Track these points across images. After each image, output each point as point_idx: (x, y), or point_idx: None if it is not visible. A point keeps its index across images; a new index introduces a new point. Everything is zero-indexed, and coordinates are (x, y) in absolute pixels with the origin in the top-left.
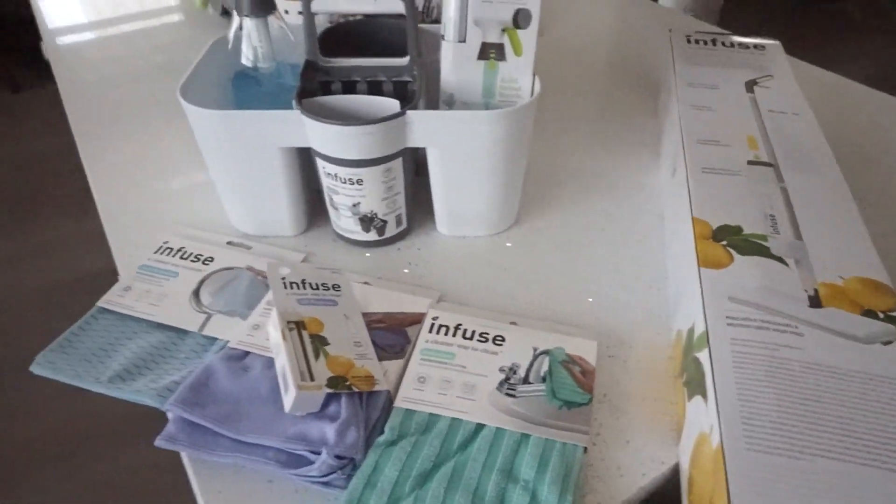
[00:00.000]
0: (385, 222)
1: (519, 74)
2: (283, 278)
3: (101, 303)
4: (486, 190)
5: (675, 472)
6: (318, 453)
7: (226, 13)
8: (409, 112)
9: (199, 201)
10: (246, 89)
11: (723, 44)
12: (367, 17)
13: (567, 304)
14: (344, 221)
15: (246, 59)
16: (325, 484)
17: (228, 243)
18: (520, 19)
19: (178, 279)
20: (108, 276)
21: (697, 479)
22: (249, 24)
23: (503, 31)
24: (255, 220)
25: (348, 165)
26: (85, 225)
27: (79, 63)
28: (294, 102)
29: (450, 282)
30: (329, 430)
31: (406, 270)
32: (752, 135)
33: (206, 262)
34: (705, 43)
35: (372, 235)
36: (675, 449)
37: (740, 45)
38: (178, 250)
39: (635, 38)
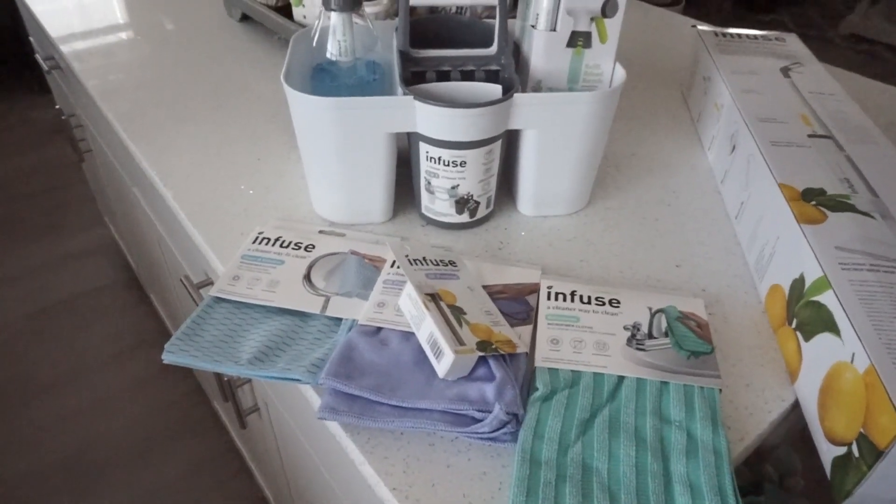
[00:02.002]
0: (478, 204)
1: (602, 60)
2: (407, 255)
3: (214, 292)
4: (574, 169)
5: (795, 406)
6: (483, 412)
7: (244, 18)
8: (516, 95)
9: (277, 195)
10: (325, 83)
11: (747, 37)
12: (435, 14)
13: (658, 272)
14: (439, 204)
15: (330, 53)
16: (492, 440)
17: (321, 232)
18: (608, 9)
19: (286, 266)
20: (100, 294)
21: (833, 404)
22: (336, 18)
23: (591, 19)
24: (347, 208)
25: (454, 148)
26: (64, 245)
27: (98, 68)
28: (401, 88)
29: (545, 257)
30: (488, 390)
31: (500, 249)
32: (804, 113)
33: (308, 249)
34: (732, 37)
35: (464, 217)
36: (791, 387)
37: (763, 37)
38: (276, 240)
39: (648, 39)
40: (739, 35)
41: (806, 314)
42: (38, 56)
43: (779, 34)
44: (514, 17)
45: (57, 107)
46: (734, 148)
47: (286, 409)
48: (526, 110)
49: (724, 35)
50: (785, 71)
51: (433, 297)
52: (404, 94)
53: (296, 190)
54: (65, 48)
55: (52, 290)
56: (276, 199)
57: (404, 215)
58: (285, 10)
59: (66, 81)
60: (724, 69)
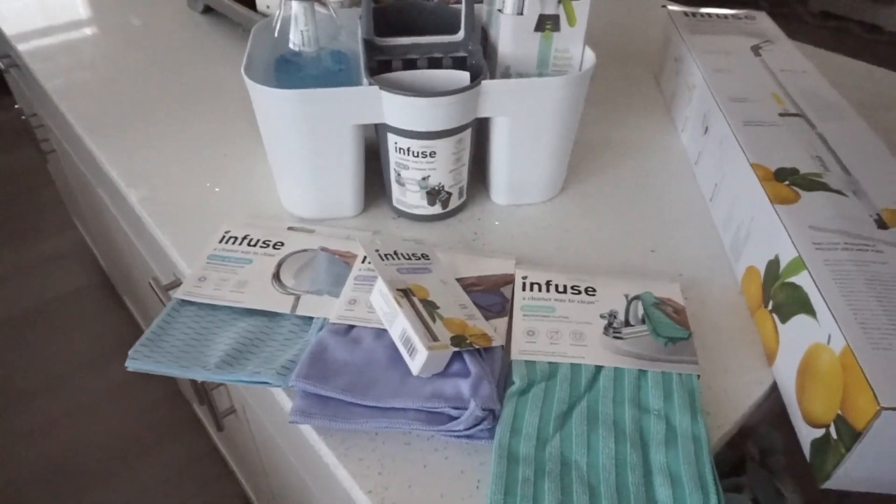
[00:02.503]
0: (450, 195)
1: (571, 44)
2: (377, 250)
3: (179, 294)
4: (547, 156)
5: (774, 388)
6: (459, 409)
7: (207, 10)
8: (484, 82)
9: (243, 192)
10: (289, 74)
11: (717, 16)
12: (401, 0)
13: (634, 257)
14: (409, 197)
15: (293, 43)
16: (469, 437)
17: (290, 228)
18: None
19: (254, 265)
20: (73, 298)
21: (810, 386)
22: (297, 7)
23: (559, 2)
24: (316, 203)
25: (423, 138)
26: (35, 250)
27: (57, 67)
28: (366, 78)
29: (519, 247)
30: (463, 386)
31: (474, 240)
32: (775, 91)
33: (277, 247)
34: (702, 16)
35: (437, 209)
36: (769, 370)
37: (733, 16)
38: (244, 238)
39: (618, 20)
40: (710, 14)
41: (782, 296)
42: None
43: (749, 12)
44: (482, 1)
45: (17, 106)
46: (707, 129)
47: (262, 411)
48: (494, 97)
49: (695, 15)
50: (755, 49)
51: (405, 293)
52: (369, 84)
53: (264, 186)
54: (21, 46)
55: (25, 297)
56: (244, 197)
57: (376, 208)
58: (248, 0)
59: (24, 80)
60: (695, 49)
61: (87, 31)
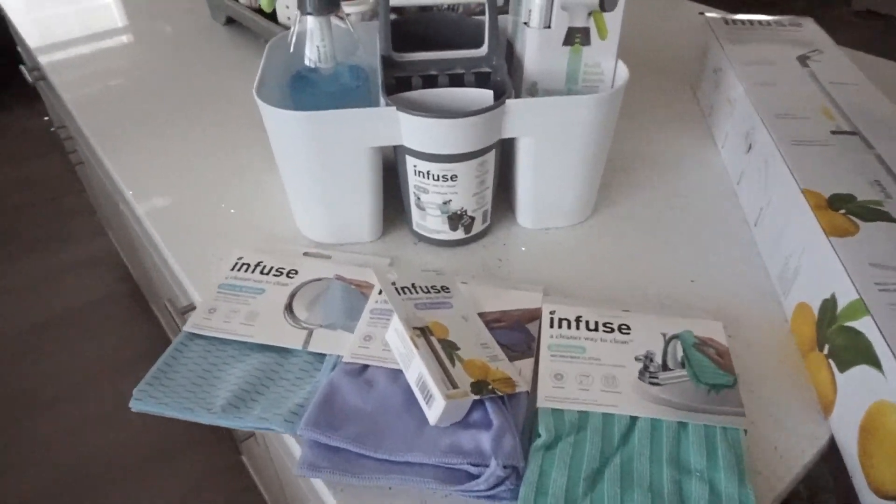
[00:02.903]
0: (473, 219)
1: (602, 58)
2: (394, 283)
3: (188, 328)
4: (576, 178)
5: (830, 445)
6: (479, 466)
7: (230, 21)
8: (508, 101)
9: (259, 213)
10: (305, 92)
11: (759, 23)
12: (423, 12)
13: (672, 289)
14: (430, 221)
15: (308, 59)
16: (490, 497)
17: (305, 254)
18: (606, 2)
19: (266, 295)
20: (102, 305)
21: (876, 450)
22: (313, 22)
23: (589, 14)
24: (333, 228)
25: (443, 161)
26: (65, 256)
27: (76, 78)
28: (383, 98)
29: (548, 275)
30: (484, 440)
31: (499, 267)
32: (826, 106)
33: (291, 276)
34: (742, 23)
35: (459, 234)
36: (826, 423)
37: (776, 23)
38: (257, 265)
39: (652, 27)
40: (751, 22)
41: (840, 341)
42: (22, 67)
43: (794, 19)
44: (507, 11)
45: (46, 118)
46: (750, 147)
47: (279, 443)
48: (520, 117)
49: (735, 22)
50: (802, 60)
51: (423, 332)
52: (386, 104)
53: (279, 207)
54: (43, 59)
55: (54, 303)
56: (259, 218)
57: (395, 232)
58: (271, 13)
59: (51, 92)
60: (736, 60)
61: (108, 42)
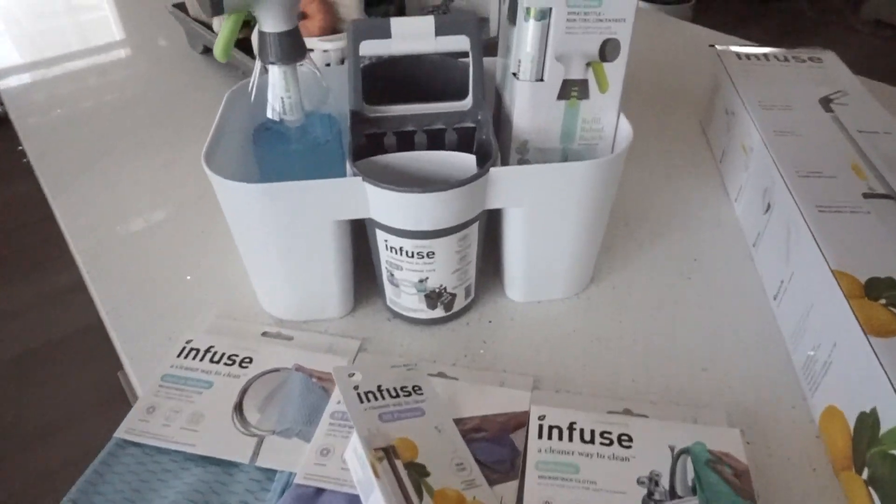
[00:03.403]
0: (454, 296)
1: (602, 113)
2: (356, 387)
3: (120, 433)
4: (572, 250)
5: None
6: None
7: (207, 50)
8: (493, 170)
9: (219, 278)
10: (271, 146)
11: (776, 58)
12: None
13: (680, 378)
14: (405, 299)
15: (272, 111)
16: None
17: (264, 334)
18: (608, 51)
19: (214, 391)
20: (80, 337)
21: None
22: (276, 72)
23: (588, 65)
24: (297, 304)
25: (418, 237)
26: (46, 285)
27: (30, 106)
28: (349, 166)
29: (538, 361)
30: None
31: (482, 351)
32: (855, 161)
33: (245, 365)
34: (757, 58)
35: (438, 312)
36: None
37: (795, 58)
38: (207, 350)
39: (662, 55)
40: (766, 56)
41: (884, 471)
42: None
43: (814, 52)
44: (495, 53)
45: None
46: (769, 207)
47: None
48: (507, 187)
49: (749, 57)
50: (825, 103)
51: (387, 453)
52: (353, 173)
53: (241, 274)
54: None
55: (39, 332)
56: (217, 287)
57: (367, 305)
58: (246, 43)
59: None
60: (752, 102)
61: (72, 66)
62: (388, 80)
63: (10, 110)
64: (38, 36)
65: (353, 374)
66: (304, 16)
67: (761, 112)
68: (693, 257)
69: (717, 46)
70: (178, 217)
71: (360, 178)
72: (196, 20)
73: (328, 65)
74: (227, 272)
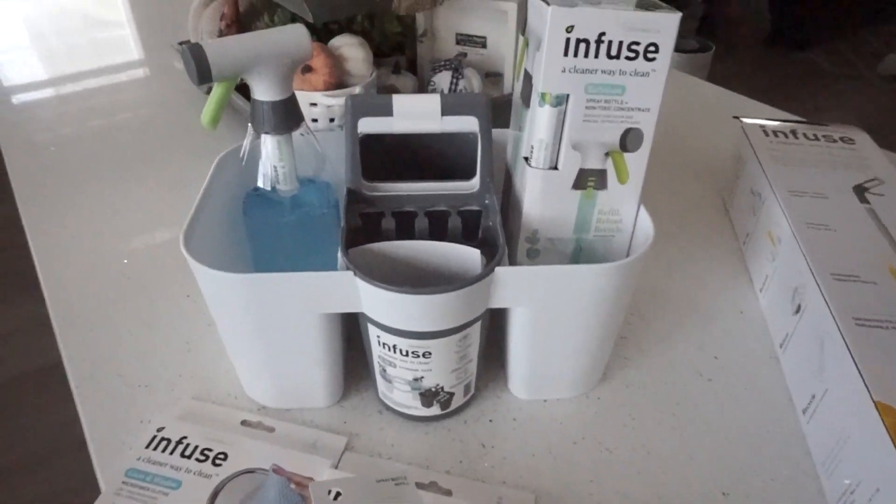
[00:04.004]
0: (452, 395)
1: (621, 204)
2: None
3: None
4: (581, 350)
5: None
6: None
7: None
8: (499, 270)
9: (200, 353)
10: (262, 217)
11: (805, 136)
12: None
13: (695, 501)
14: (398, 395)
15: (264, 179)
16: None
17: (243, 423)
18: (629, 141)
19: (181, 492)
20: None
21: None
22: (270, 141)
23: (607, 154)
24: (280, 392)
25: (414, 337)
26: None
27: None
28: (341, 257)
29: (540, 472)
30: None
31: (480, 457)
32: (893, 265)
33: (218, 462)
34: (785, 136)
35: (434, 410)
36: None
37: (825, 137)
38: (179, 442)
39: (680, 118)
40: (795, 133)
41: None
42: None
43: (845, 132)
44: (507, 124)
45: None
46: (799, 308)
47: None
48: (513, 287)
49: (777, 134)
50: (860, 192)
51: None
52: (345, 266)
53: (224, 351)
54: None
55: (22, 359)
56: (197, 363)
57: (358, 393)
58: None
59: None
60: (780, 187)
61: (68, 88)
62: (389, 150)
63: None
64: (61, 52)
65: (334, 494)
66: (308, 69)
67: (791, 199)
68: (713, 354)
69: (742, 120)
70: (163, 277)
71: (351, 273)
72: None
73: (332, 120)
74: (209, 346)
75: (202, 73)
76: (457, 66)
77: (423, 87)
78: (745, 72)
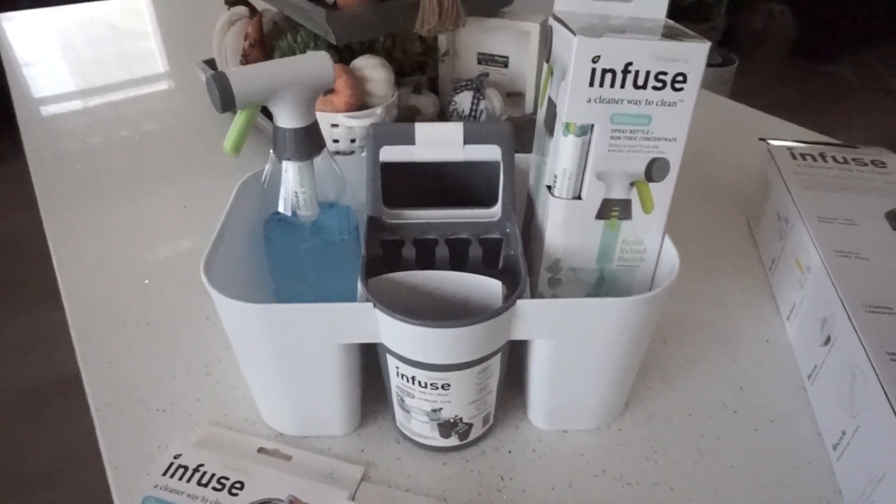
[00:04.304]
0: (470, 426)
1: (645, 234)
2: None
3: None
4: (603, 382)
5: None
6: None
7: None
8: (521, 303)
9: (219, 376)
10: (282, 242)
11: (834, 159)
12: None
13: None
14: (416, 425)
15: (284, 204)
16: None
17: (260, 450)
18: (655, 171)
19: None
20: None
21: None
22: (291, 167)
23: (632, 184)
24: (298, 419)
25: (433, 370)
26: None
27: (56, 136)
28: (361, 287)
29: None
30: None
31: (499, 490)
32: None
33: (234, 491)
34: (813, 159)
35: (452, 441)
36: None
37: (855, 160)
38: (196, 469)
39: (703, 136)
40: (823, 156)
41: None
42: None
43: (876, 154)
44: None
45: None
46: (829, 341)
47: None
48: (535, 320)
49: (805, 157)
50: (892, 219)
51: None
52: (365, 297)
53: (242, 376)
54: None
55: (47, 367)
56: (215, 387)
57: (376, 422)
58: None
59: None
60: (808, 213)
61: (95, 101)
62: (410, 176)
63: (26, 143)
64: (89, 63)
65: None
66: (330, 90)
67: (819, 226)
68: (739, 385)
69: (769, 142)
70: (184, 297)
71: (370, 304)
72: None
73: (353, 140)
74: (227, 369)
75: (226, 102)
76: (478, 86)
77: (444, 107)
78: (770, 85)
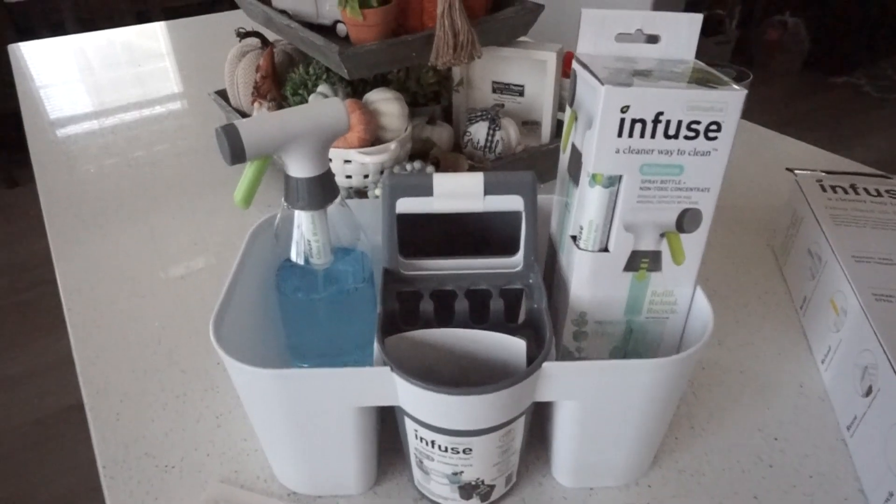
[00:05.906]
0: (493, 487)
1: (676, 286)
2: None
3: None
4: (632, 438)
5: None
6: None
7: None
8: (546, 366)
9: (231, 428)
10: (295, 292)
11: (866, 191)
12: None
13: None
14: (436, 486)
15: (296, 253)
16: None
17: None
18: (686, 222)
19: None
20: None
21: None
22: (304, 217)
23: (662, 235)
24: (312, 479)
25: (454, 435)
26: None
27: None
28: (377, 349)
29: None
30: None
31: None
32: None
33: None
34: (844, 191)
35: (473, 502)
36: None
37: (888, 192)
38: None
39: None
40: (855, 188)
41: None
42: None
43: None
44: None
45: None
46: (871, 392)
47: None
48: (561, 382)
49: (835, 189)
50: None
51: None
52: (382, 361)
53: (253, 428)
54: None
55: (60, 394)
56: (226, 441)
57: (393, 478)
58: None
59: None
60: (842, 250)
61: (107, 124)
62: (427, 224)
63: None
64: (106, 85)
65: None
66: None
67: (854, 266)
68: (773, 436)
69: (796, 172)
70: (194, 341)
71: (388, 369)
72: (237, 110)
73: (366, 176)
74: (239, 422)
75: (235, 154)
76: (493, 117)
77: (458, 138)
78: (785, 97)
